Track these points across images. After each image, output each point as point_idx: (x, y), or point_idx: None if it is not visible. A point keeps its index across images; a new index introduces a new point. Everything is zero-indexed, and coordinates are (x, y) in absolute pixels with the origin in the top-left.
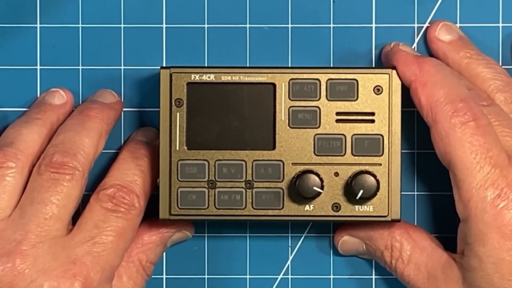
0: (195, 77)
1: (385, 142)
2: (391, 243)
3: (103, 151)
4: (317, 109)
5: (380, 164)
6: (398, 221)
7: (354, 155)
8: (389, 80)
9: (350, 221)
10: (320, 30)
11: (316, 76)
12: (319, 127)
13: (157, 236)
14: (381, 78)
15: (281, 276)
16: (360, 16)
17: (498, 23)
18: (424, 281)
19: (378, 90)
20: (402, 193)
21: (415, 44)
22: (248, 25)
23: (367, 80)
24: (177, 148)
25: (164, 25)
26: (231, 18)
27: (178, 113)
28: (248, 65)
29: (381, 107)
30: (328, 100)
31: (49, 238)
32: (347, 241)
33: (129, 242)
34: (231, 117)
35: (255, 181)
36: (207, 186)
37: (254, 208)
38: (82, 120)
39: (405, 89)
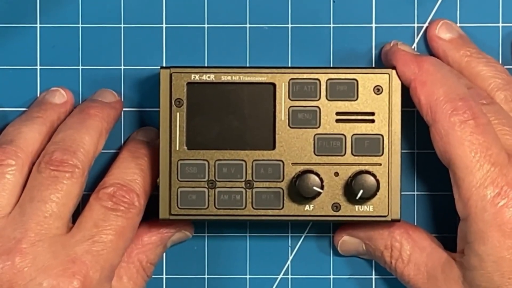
0: (195, 77)
1: (385, 142)
2: (391, 243)
3: (103, 150)
4: (317, 109)
5: (380, 164)
6: (398, 221)
7: (354, 155)
8: (389, 80)
9: (350, 221)
10: (320, 30)
11: (316, 76)
12: (319, 127)
13: (157, 237)
14: (381, 78)
15: (281, 276)
16: (360, 16)
17: (498, 22)
18: (424, 281)
19: (378, 90)
20: (402, 193)
21: (415, 44)
22: (248, 25)
23: (367, 80)
24: (177, 148)
25: (164, 25)
26: (231, 18)
27: (178, 113)
28: (248, 65)
29: (381, 107)
30: (328, 100)
31: (48, 237)
32: (347, 241)
33: (129, 241)
34: (231, 117)
35: (255, 181)
36: (207, 186)
37: (254, 208)
38: (82, 119)
39: (405, 89)
